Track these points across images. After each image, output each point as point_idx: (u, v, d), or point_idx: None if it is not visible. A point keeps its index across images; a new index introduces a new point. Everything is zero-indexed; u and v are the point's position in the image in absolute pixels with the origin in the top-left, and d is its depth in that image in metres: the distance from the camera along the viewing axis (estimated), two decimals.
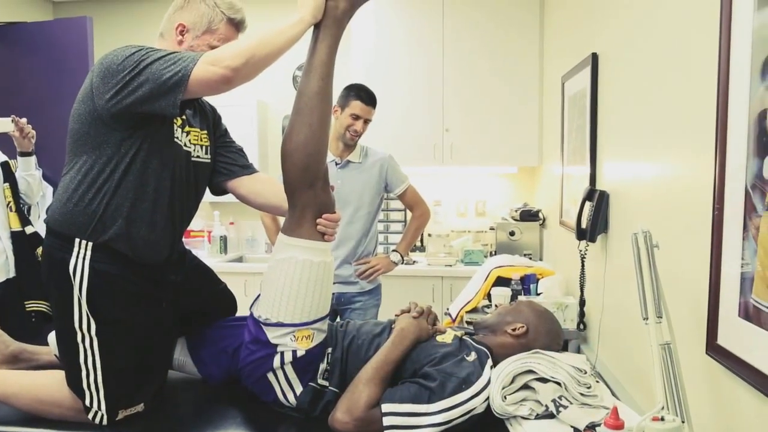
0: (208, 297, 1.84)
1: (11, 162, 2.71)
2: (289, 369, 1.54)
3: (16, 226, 2.67)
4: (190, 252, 1.81)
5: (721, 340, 1.22)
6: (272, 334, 1.53)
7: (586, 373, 1.55)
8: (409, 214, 3.02)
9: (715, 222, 1.23)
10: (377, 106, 2.73)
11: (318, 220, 1.54)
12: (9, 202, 2.66)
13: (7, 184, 2.67)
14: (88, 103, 1.48)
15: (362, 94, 2.67)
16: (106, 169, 1.49)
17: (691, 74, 1.43)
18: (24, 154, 2.69)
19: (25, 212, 2.78)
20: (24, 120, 2.60)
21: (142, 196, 1.52)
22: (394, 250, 2.85)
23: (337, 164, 2.73)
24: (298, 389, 1.56)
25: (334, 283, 1.66)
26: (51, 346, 1.82)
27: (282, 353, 1.53)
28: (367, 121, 2.70)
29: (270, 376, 1.55)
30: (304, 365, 1.55)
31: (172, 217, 1.60)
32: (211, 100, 1.79)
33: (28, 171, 2.72)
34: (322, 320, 1.57)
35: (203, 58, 1.41)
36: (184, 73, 1.39)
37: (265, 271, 1.58)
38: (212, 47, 1.58)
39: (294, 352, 1.53)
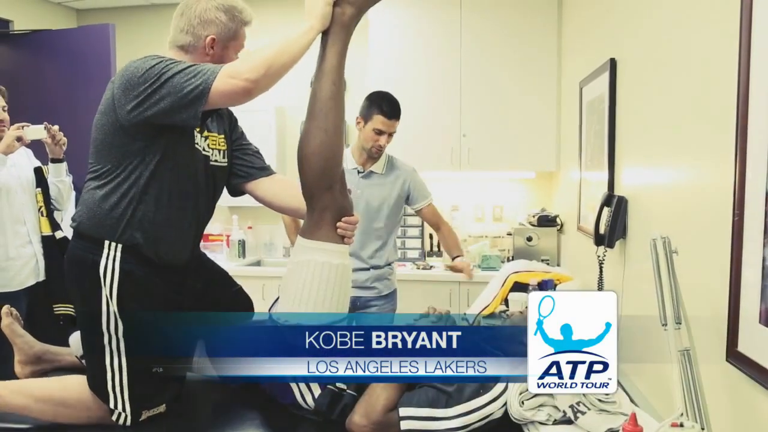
0: (225, 299, 1.86)
1: (44, 168, 2.76)
2: None
3: (47, 231, 2.71)
4: (204, 254, 1.83)
5: (742, 347, 1.21)
6: None
7: None
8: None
9: (735, 227, 1.22)
10: None
11: (338, 224, 1.56)
12: (40, 206, 2.71)
13: (39, 189, 2.72)
14: (110, 114, 1.51)
15: (384, 107, 2.55)
16: (131, 176, 1.52)
17: (710, 79, 1.42)
18: (55, 161, 2.73)
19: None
20: (56, 127, 2.64)
21: (167, 201, 1.55)
22: (456, 256, 2.93)
23: (359, 173, 2.68)
24: (317, 392, 1.56)
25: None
26: (72, 348, 1.85)
27: None
28: (391, 134, 2.61)
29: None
30: None
31: (193, 221, 1.63)
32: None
33: (59, 177, 2.76)
34: None
35: (222, 71, 1.44)
36: (205, 86, 1.42)
37: (284, 273, 1.59)
38: (236, 55, 1.61)
39: None
